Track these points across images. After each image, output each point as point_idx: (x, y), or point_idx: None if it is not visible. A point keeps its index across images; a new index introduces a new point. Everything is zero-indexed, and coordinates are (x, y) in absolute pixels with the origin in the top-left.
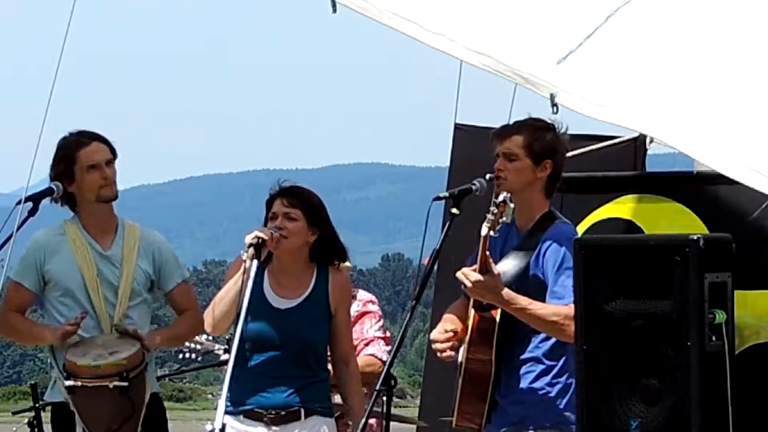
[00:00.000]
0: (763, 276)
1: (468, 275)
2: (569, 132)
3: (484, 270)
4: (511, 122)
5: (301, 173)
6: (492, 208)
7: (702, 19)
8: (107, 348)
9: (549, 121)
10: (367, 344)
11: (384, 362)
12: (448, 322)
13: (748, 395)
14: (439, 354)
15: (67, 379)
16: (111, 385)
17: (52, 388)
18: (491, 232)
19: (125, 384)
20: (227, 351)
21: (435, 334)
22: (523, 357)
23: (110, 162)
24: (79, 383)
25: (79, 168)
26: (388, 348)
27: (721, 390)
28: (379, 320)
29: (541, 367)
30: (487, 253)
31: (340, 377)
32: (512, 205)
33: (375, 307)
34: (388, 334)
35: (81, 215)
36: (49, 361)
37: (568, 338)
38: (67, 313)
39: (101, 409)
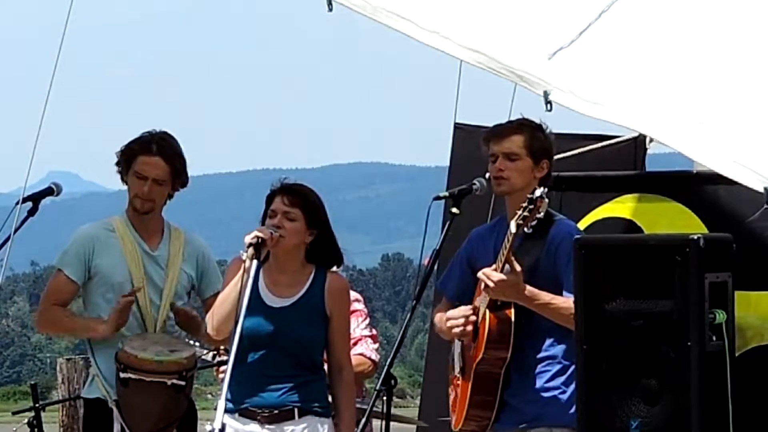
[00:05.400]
0: (767, 276)
1: (490, 275)
2: (569, 131)
3: (506, 268)
4: (504, 123)
5: (301, 173)
6: (525, 204)
7: (697, 16)
8: (165, 346)
9: (538, 122)
10: (355, 343)
11: (373, 360)
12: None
13: (751, 396)
14: (453, 329)
15: (123, 371)
16: (169, 383)
17: (89, 385)
18: (525, 229)
19: (183, 383)
20: (218, 355)
21: (451, 312)
22: (538, 356)
23: (161, 182)
24: (136, 377)
25: (132, 169)
26: (376, 345)
27: (722, 390)
28: (366, 318)
29: (557, 366)
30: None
31: (333, 385)
32: (548, 200)
33: (360, 305)
34: (374, 331)
35: (130, 213)
36: (89, 358)
37: None
38: (110, 311)
39: (153, 405)
